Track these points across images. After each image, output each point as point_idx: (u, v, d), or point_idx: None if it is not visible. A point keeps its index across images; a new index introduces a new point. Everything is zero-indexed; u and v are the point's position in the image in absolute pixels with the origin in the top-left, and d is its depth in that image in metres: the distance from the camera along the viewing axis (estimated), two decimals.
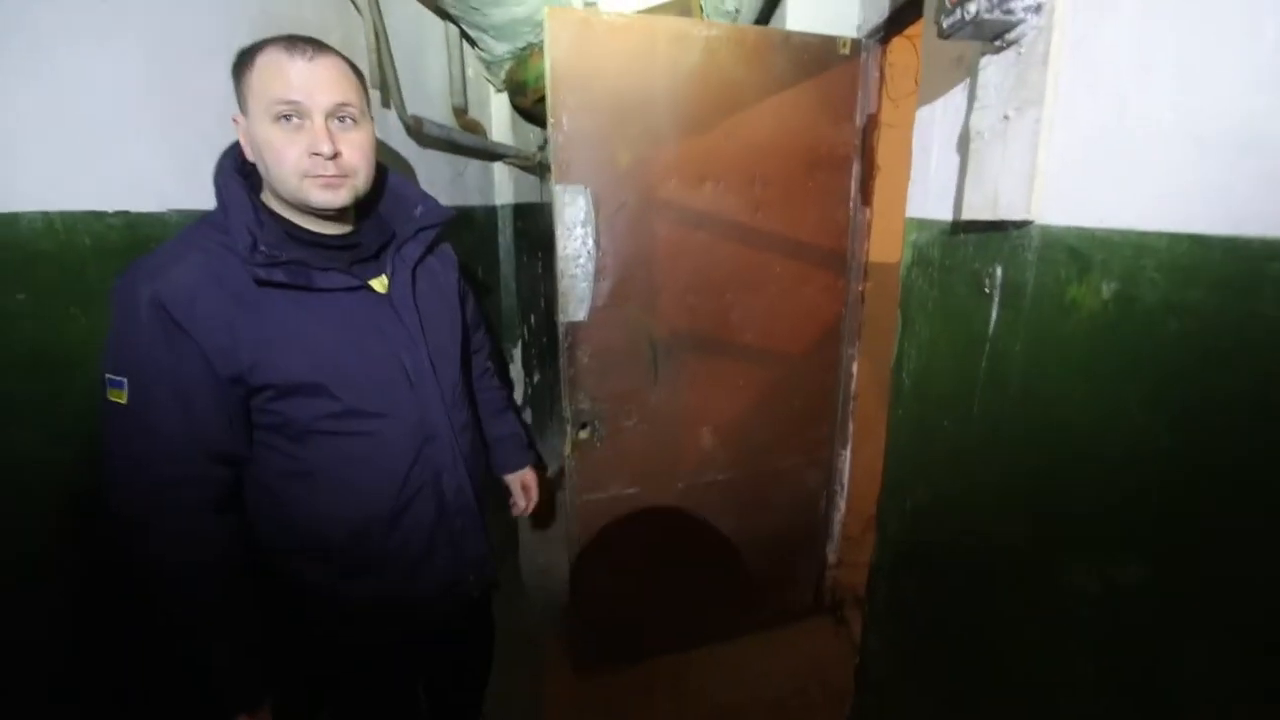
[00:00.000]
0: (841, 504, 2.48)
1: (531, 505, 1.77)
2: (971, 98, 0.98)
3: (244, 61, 1.02)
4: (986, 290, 0.98)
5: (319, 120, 1.01)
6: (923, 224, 1.20)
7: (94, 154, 1.07)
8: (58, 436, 1.00)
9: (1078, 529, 0.81)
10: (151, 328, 0.94)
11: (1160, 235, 0.68)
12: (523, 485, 1.77)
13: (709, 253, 1.94)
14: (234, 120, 1.06)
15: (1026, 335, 0.89)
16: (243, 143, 1.06)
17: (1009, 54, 0.90)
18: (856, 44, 2.02)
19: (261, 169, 1.05)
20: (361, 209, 1.22)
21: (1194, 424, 0.65)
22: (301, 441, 1.10)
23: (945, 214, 1.12)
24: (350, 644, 1.25)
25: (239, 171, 1.07)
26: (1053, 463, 0.85)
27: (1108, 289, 0.75)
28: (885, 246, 2.27)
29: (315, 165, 1.02)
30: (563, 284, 1.76)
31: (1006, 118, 0.89)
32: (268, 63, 1.01)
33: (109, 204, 1.11)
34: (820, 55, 1.97)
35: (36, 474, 0.97)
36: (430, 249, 1.32)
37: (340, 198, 1.07)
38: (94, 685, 1.06)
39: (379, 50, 1.83)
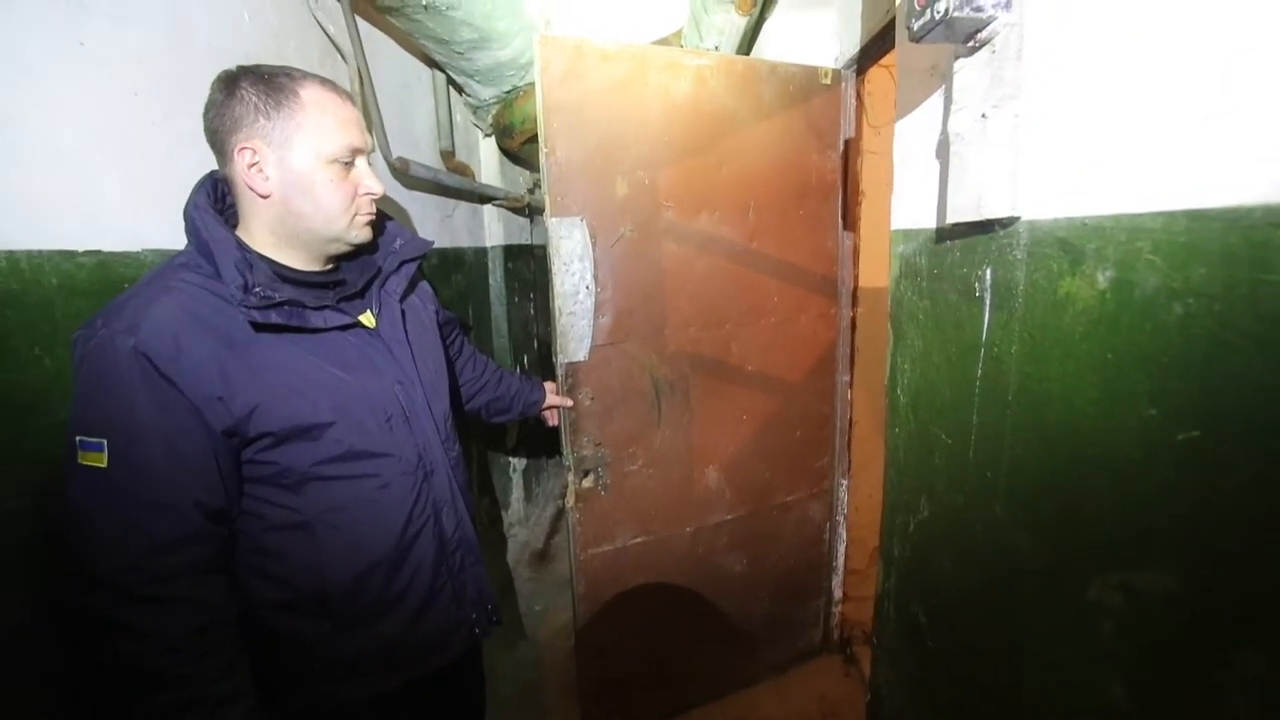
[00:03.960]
0: (844, 535, 2.40)
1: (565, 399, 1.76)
2: (948, 102, 0.95)
3: (281, 91, 0.98)
4: (977, 294, 0.93)
5: (362, 163, 1.06)
6: (908, 234, 1.17)
7: (67, 192, 1.04)
8: (20, 484, 0.94)
9: (1093, 537, 0.74)
10: (134, 382, 0.87)
11: (1154, 215, 0.63)
12: (554, 394, 1.80)
13: (708, 283, 1.90)
14: (241, 150, 0.98)
15: (1022, 336, 0.84)
16: (256, 176, 0.99)
17: (982, 53, 0.87)
18: (837, 74, 2.04)
19: (288, 206, 1.02)
20: None
21: (1212, 412, 0.59)
22: (297, 490, 1.03)
23: (930, 222, 1.08)
24: (348, 700, 1.13)
25: (217, 210, 1.04)
26: (1061, 467, 0.79)
27: (1103, 278, 0.70)
28: (872, 271, 2.25)
29: (364, 205, 1.07)
30: (561, 322, 1.71)
31: (984, 116, 0.86)
32: (321, 101, 1.01)
33: (80, 243, 1.08)
34: (804, 85, 1.97)
35: None
36: (413, 286, 1.30)
37: (369, 234, 1.12)
38: None
39: (363, 93, 1.83)
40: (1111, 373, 0.70)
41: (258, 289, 0.96)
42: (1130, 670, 0.71)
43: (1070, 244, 0.75)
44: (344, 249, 1.11)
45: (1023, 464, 0.86)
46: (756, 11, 2.07)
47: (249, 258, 1.00)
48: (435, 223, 2.44)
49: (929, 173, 1.07)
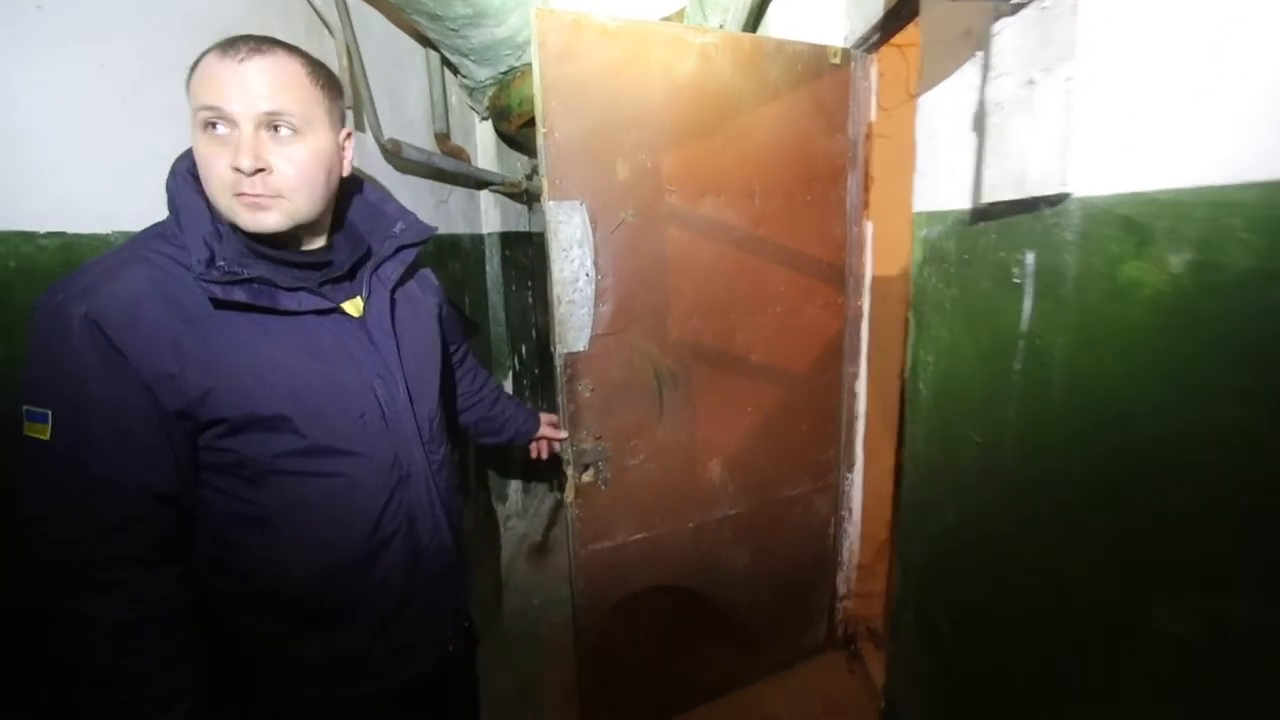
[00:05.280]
0: (850, 531, 2.31)
1: (563, 432, 1.67)
2: (986, 69, 0.85)
3: (192, 67, 0.90)
4: (1016, 280, 0.84)
5: (247, 130, 0.87)
6: (933, 217, 1.07)
7: (26, 169, 0.96)
8: None
9: (1163, 555, 0.66)
10: (83, 351, 0.80)
11: (1249, 186, 0.54)
12: (550, 424, 1.72)
13: (712, 270, 1.79)
14: None
15: (1072, 328, 0.75)
16: None
17: (1029, 11, 0.77)
18: (846, 54, 1.93)
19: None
20: (336, 223, 1.09)
21: None
22: (258, 483, 0.94)
23: (959, 203, 0.98)
24: (310, 703, 1.06)
25: (196, 177, 0.93)
26: (1122, 476, 0.70)
27: (1178, 261, 0.60)
28: (882, 259, 2.16)
29: (239, 182, 0.87)
30: (560, 311, 1.60)
31: (1031, 82, 0.76)
32: (202, 65, 0.89)
33: (42, 224, 0.99)
34: (812, 65, 1.87)
35: None
36: (411, 272, 1.19)
37: (270, 221, 0.91)
38: None
39: (352, 70, 1.72)
40: (1186, 369, 0.61)
41: (221, 263, 0.86)
42: (1212, 708, 0.62)
43: (1135, 223, 0.65)
44: (282, 229, 0.93)
45: (1072, 470, 0.77)
46: None
47: (221, 229, 0.91)
48: (430, 208, 2.34)
49: (959, 149, 0.98)
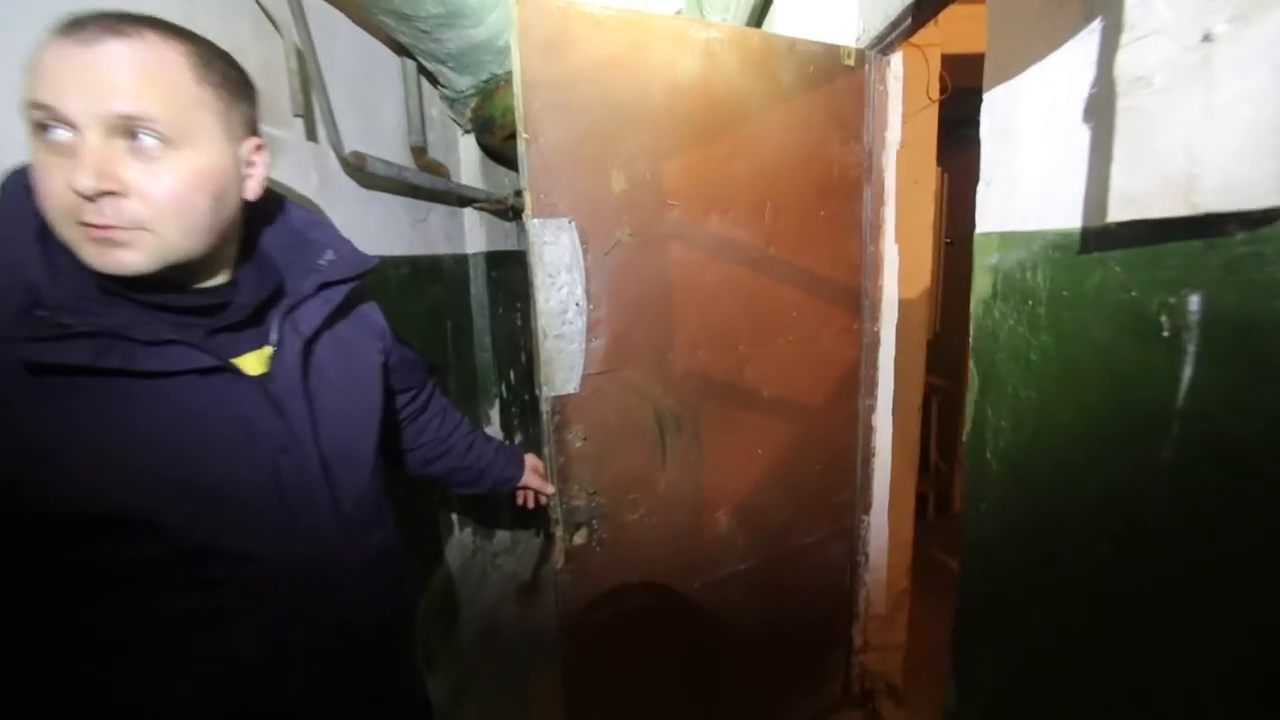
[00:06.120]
0: (868, 579, 2.04)
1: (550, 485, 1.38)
2: (1115, 31, 0.59)
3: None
4: (1166, 333, 0.58)
5: (91, 138, 0.60)
6: (1009, 239, 0.81)
7: None
8: None
9: None
10: None
11: None
12: (536, 472, 1.45)
13: (720, 296, 1.52)
14: None
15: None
16: None
17: None
18: (861, 55, 1.69)
19: None
20: (246, 252, 0.81)
21: None
22: (107, 600, 0.67)
23: (1056, 220, 0.72)
24: None
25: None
26: None
27: None
28: (902, 281, 1.90)
29: (82, 208, 0.60)
30: (546, 347, 1.32)
31: (1208, 39, 0.50)
32: (39, 50, 0.61)
33: None
34: (825, 66, 1.62)
35: None
36: (343, 312, 0.91)
37: (130, 261, 0.64)
38: None
39: (304, 75, 1.46)
40: None
41: (44, 313, 0.59)
42: None
43: None
44: (148, 271, 0.66)
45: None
46: None
47: (58, 259, 0.63)
48: (405, 227, 2.07)
49: (1055, 149, 0.71)
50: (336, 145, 1.57)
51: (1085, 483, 0.68)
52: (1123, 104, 0.57)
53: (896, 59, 1.76)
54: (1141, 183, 0.56)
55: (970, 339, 0.89)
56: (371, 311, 1.00)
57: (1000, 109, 0.83)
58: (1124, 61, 0.57)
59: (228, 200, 0.73)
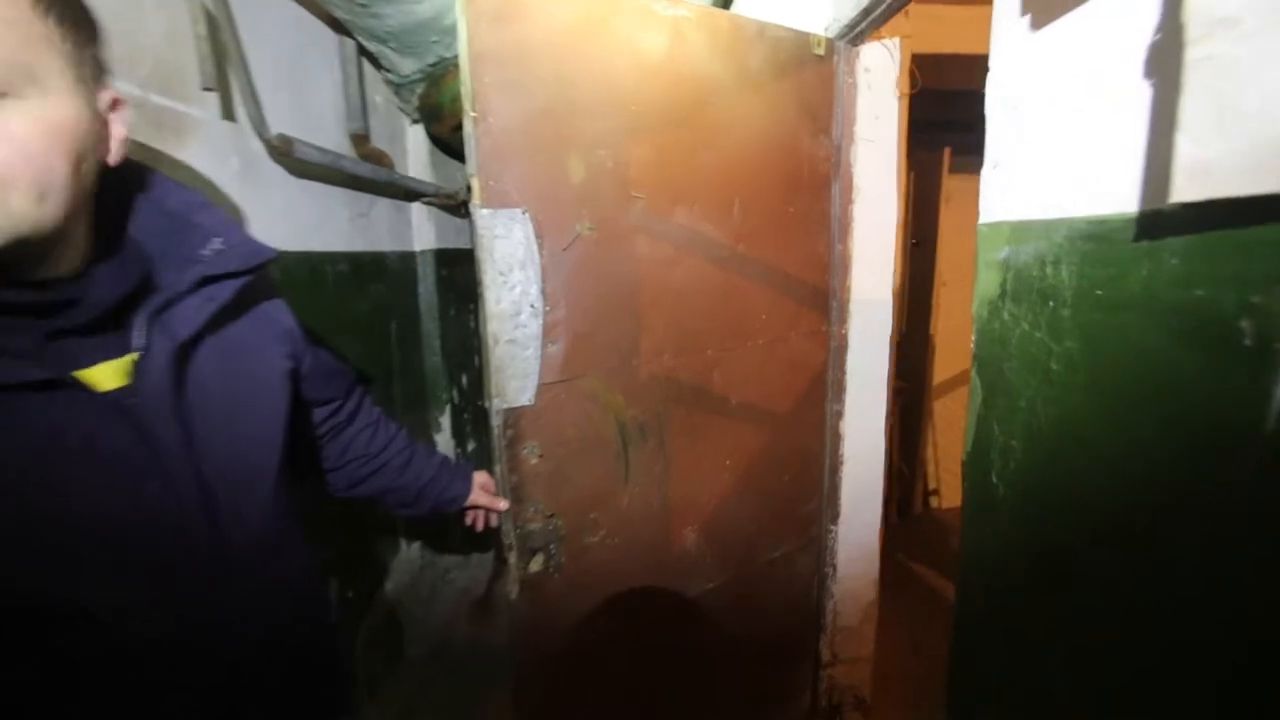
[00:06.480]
0: (835, 590, 1.94)
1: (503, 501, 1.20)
2: None
3: None
4: (1249, 341, 0.47)
5: None
6: (1024, 230, 0.70)
7: None
8: None
9: None
10: None
11: None
12: (485, 490, 1.29)
13: (687, 296, 1.38)
14: None
15: None
16: None
17: None
18: (830, 44, 1.59)
19: None
20: (104, 239, 0.63)
21: None
22: None
23: (1094, 204, 0.61)
24: None
25: None
26: None
27: None
28: (866, 280, 1.81)
29: None
30: (496, 353, 1.16)
31: None
32: None
33: None
34: (795, 54, 1.51)
35: None
36: (235, 312, 0.74)
37: None
38: None
39: (215, 43, 1.27)
40: None
41: None
42: None
43: None
44: None
45: None
46: None
47: None
48: (344, 221, 1.88)
49: (1092, 119, 0.60)
50: (260, 126, 1.38)
51: (1129, 519, 0.57)
52: (1197, 54, 0.46)
53: (867, 50, 1.67)
54: (1220, 153, 0.45)
55: (972, 345, 0.78)
56: (276, 311, 0.83)
57: (1013, 74, 0.71)
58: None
59: (86, 164, 0.56)
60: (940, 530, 3.38)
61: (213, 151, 1.27)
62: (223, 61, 1.29)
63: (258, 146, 1.43)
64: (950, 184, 3.09)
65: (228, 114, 1.32)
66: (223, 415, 0.67)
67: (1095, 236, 0.60)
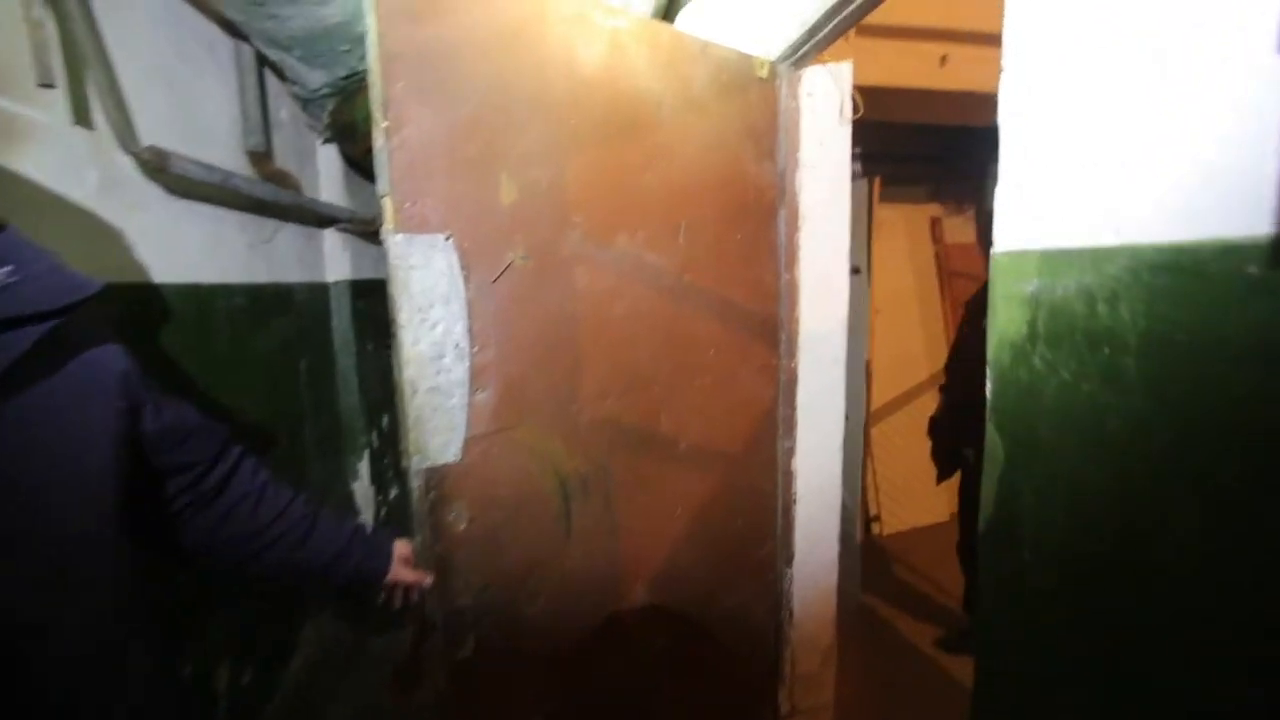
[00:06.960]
0: (793, 636, 1.80)
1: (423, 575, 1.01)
2: None
3: None
4: None
5: None
6: (1061, 260, 0.57)
7: None
8: None
9: None
10: None
11: None
12: (407, 563, 1.07)
13: (631, 331, 1.23)
14: None
15: None
16: None
17: None
18: (773, 67, 1.49)
19: None
20: None
21: None
22: None
23: (1171, 229, 0.48)
24: None
25: None
26: None
27: None
28: (815, 310, 1.71)
29: None
30: (415, 404, 0.96)
31: None
32: None
33: None
34: (739, 75, 1.41)
35: None
36: (38, 362, 0.54)
37: None
38: None
39: (61, 31, 1.03)
40: None
41: None
42: None
43: None
44: None
45: None
46: None
47: None
48: (241, 248, 1.63)
49: (1170, 115, 0.48)
50: (125, 136, 1.14)
51: (1223, 642, 0.43)
52: None
53: (810, 74, 1.59)
54: None
55: (989, 396, 0.64)
56: (107, 358, 0.62)
57: (1032, 74, 0.59)
58: None
59: None
60: (882, 557, 3.32)
61: (58, 161, 1.03)
62: (74, 56, 1.05)
63: (125, 160, 1.18)
64: (880, 213, 3.08)
65: (81, 119, 1.08)
66: (25, 490, 0.46)
67: (1174, 268, 0.47)
